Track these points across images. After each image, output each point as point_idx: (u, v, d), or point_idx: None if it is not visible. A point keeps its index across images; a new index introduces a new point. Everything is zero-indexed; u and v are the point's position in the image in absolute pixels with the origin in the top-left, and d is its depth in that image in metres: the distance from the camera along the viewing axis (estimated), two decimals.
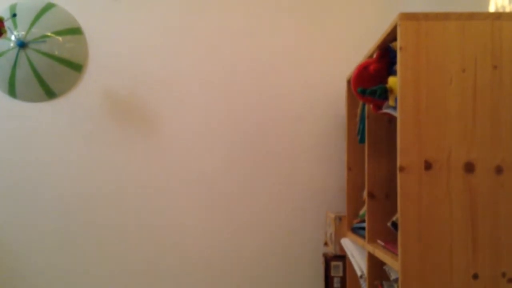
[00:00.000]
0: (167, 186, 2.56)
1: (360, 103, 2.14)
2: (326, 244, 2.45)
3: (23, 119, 2.59)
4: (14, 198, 2.57)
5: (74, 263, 2.54)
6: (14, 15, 2.43)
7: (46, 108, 2.58)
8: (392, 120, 1.86)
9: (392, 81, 1.51)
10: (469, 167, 1.38)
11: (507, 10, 1.59)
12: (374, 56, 1.71)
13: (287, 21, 2.59)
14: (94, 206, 2.55)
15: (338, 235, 2.29)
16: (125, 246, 2.54)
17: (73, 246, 2.55)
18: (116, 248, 2.54)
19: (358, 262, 2.03)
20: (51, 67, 2.48)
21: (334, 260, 2.32)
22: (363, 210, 2.08)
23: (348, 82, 2.32)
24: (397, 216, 1.41)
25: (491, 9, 1.68)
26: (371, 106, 1.78)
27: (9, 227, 2.56)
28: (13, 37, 2.43)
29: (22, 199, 2.56)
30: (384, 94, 1.55)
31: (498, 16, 1.41)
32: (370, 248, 1.79)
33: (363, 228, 1.95)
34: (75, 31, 2.54)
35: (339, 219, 2.29)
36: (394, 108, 1.52)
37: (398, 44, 1.41)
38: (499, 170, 1.38)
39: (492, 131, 1.39)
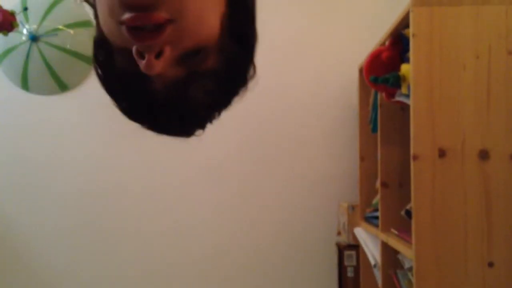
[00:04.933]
0: (180, 174, 2.56)
1: (373, 91, 2.12)
2: (339, 233, 2.45)
3: (35, 112, 2.60)
4: (26, 192, 2.58)
5: (87, 256, 2.57)
6: (25, 9, 2.44)
7: (59, 100, 2.60)
8: (405, 108, 1.84)
9: (405, 68, 1.50)
10: (484, 155, 1.37)
11: None
12: (387, 43, 1.70)
13: (297, 8, 2.56)
14: (107, 198, 2.57)
15: (351, 224, 2.28)
16: (138, 238, 2.56)
17: (86, 238, 2.57)
18: (128, 240, 2.56)
19: (372, 251, 2.03)
20: (63, 60, 2.50)
21: (348, 249, 2.31)
22: (376, 199, 2.07)
23: (360, 70, 2.30)
24: (411, 205, 1.41)
25: None
26: (384, 94, 1.77)
27: (21, 221, 2.58)
28: (24, 31, 2.44)
29: (34, 193, 2.58)
30: (397, 82, 1.54)
31: None
32: (383, 236, 1.78)
33: (377, 217, 1.94)
34: (87, 23, 2.55)
35: (352, 208, 2.28)
36: (407, 96, 1.50)
37: (410, 30, 1.40)
38: None
39: (506, 118, 1.38)
